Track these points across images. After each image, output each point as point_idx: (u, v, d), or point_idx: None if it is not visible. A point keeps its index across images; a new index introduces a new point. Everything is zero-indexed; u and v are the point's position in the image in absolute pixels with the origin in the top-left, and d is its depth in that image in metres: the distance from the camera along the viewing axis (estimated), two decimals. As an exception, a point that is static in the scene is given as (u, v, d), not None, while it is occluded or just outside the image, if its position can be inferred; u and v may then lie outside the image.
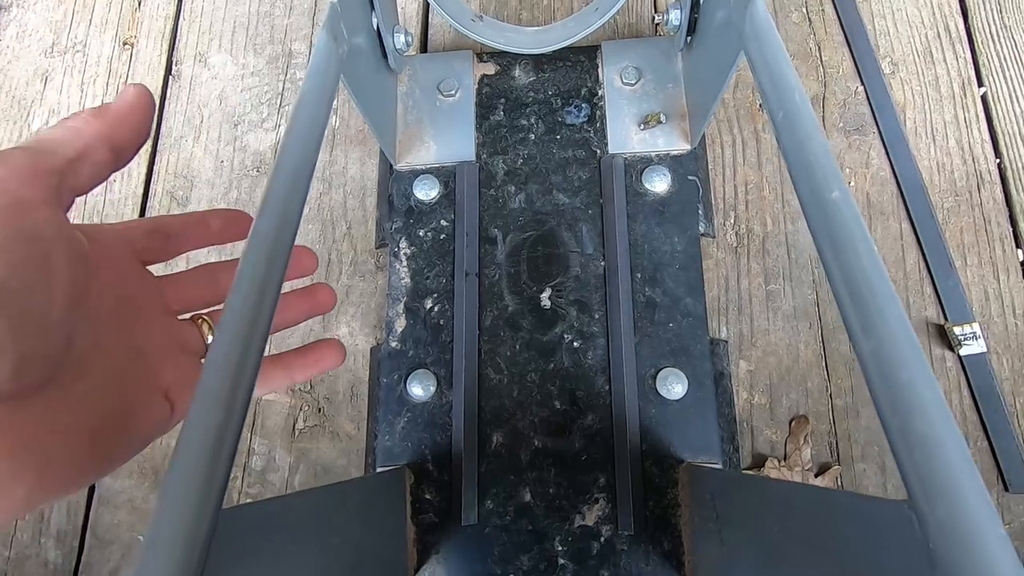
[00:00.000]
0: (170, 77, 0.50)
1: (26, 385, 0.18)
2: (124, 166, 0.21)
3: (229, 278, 0.24)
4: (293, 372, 0.28)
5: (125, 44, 0.51)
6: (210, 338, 0.26)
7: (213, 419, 0.17)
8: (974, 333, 0.38)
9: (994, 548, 0.13)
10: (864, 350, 0.16)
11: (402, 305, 0.40)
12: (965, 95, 0.44)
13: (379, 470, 0.38)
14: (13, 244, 0.17)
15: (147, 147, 0.48)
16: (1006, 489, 0.36)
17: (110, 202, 0.47)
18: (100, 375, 0.20)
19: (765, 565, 0.24)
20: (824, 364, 0.40)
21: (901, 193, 0.42)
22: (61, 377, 0.19)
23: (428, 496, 0.37)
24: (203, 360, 0.23)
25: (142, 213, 0.47)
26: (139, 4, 0.52)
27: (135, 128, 0.21)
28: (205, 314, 0.26)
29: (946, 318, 0.39)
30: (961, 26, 0.45)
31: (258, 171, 0.47)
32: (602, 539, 0.35)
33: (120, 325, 0.22)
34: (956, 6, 0.46)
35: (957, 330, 0.38)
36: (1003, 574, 0.12)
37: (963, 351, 0.38)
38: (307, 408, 0.42)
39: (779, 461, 0.38)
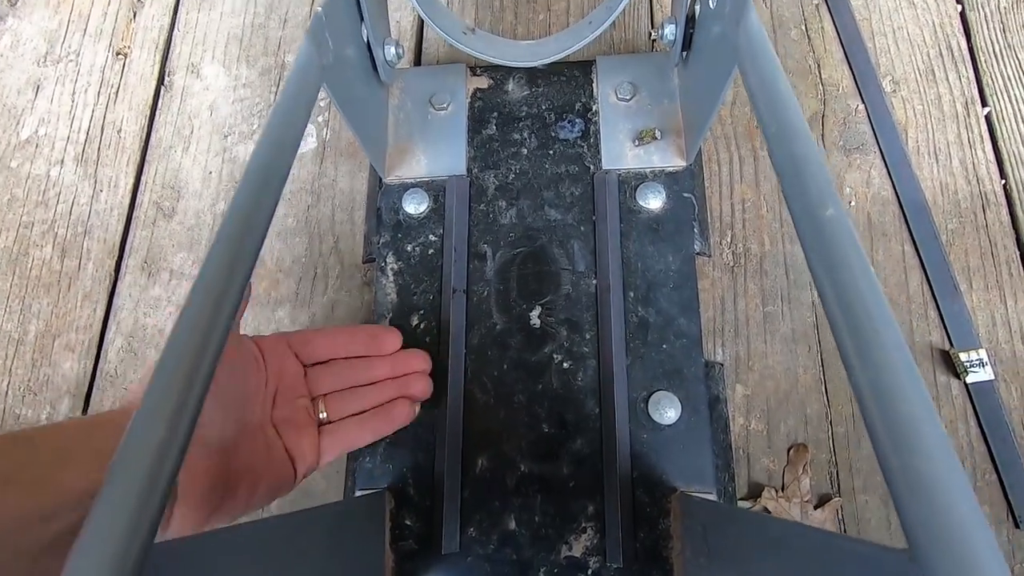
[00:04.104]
0: (162, 87, 0.50)
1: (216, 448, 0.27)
2: None
3: (358, 373, 0.35)
4: (366, 434, 0.34)
5: (118, 54, 0.51)
6: (322, 415, 0.34)
7: (153, 437, 0.15)
8: (981, 360, 0.37)
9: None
10: (860, 380, 0.15)
11: (387, 321, 0.39)
12: (968, 115, 0.43)
13: (358, 494, 0.36)
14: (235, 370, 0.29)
15: (135, 157, 0.48)
16: (1016, 526, 0.34)
17: (96, 212, 0.46)
18: (244, 443, 0.29)
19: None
20: (824, 389, 0.38)
21: (903, 214, 0.41)
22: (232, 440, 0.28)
23: (408, 522, 0.35)
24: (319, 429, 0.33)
25: (128, 223, 0.46)
26: (134, 15, 0.52)
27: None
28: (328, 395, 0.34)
29: (951, 344, 0.38)
30: (964, 45, 0.45)
31: (246, 183, 0.46)
32: (589, 571, 0.34)
33: (274, 404, 0.32)
34: (958, 25, 0.45)
35: (963, 356, 0.37)
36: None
37: (969, 379, 0.37)
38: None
39: (776, 491, 0.36)
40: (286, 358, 0.33)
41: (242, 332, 0.33)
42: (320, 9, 0.30)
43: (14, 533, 0.19)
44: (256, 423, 0.30)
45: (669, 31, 0.37)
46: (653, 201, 0.40)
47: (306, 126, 0.26)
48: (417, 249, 0.41)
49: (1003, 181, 0.41)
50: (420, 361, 0.36)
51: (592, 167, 0.41)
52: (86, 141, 0.48)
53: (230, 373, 0.29)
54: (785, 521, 0.33)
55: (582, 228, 0.40)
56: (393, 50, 0.39)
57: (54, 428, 0.25)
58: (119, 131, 0.48)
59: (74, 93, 0.50)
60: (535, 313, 0.39)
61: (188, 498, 0.25)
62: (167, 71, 0.50)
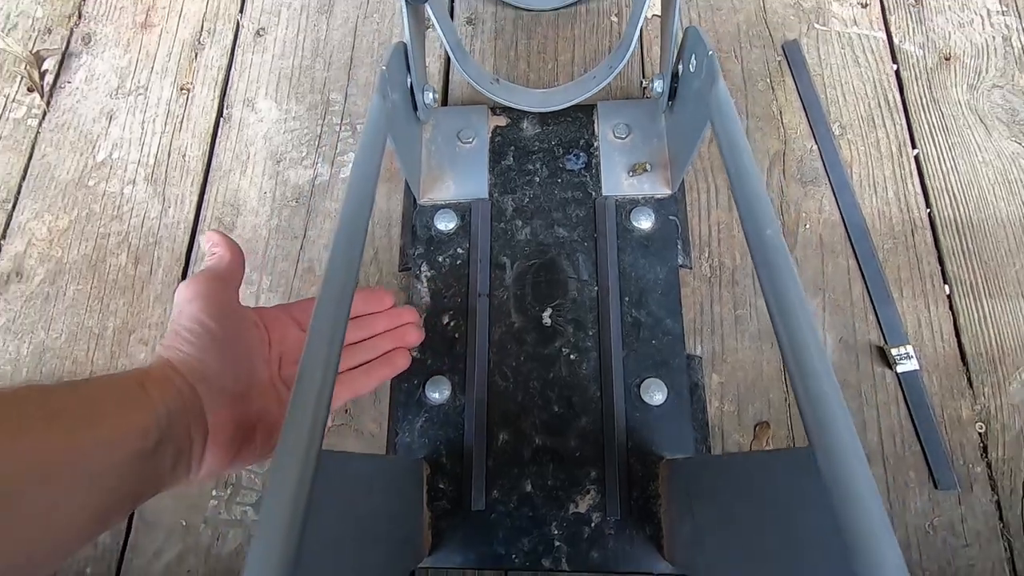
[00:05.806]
0: (221, 119, 0.57)
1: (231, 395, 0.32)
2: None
3: (357, 331, 0.40)
4: (372, 381, 0.39)
5: (182, 89, 0.58)
6: None
7: (312, 394, 0.23)
8: (908, 354, 0.45)
9: (856, 465, 0.19)
10: (783, 340, 0.23)
11: (423, 320, 0.47)
12: (901, 155, 0.52)
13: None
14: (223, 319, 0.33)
15: (199, 179, 0.55)
16: (936, 487, 0.43)
17: (164, 225, 0.53)
18: (257, 397, 0.34)
19: (723, 527, 0.30)
20: (784, 378, 0.46)
21: (848, 235, 0.50)
22: (245, 393, 0.33)
23: (442, 486, 0.42)
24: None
25: (193, 236, 0.53)
26: (196, 56, 0.60)
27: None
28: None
29: (886, 341, 0.46)
30: (898, 98, 0.54)
31: (296, 202, 0.54)
32: (592, 524, 0.41)
33: (277, 366, 0.36)
34: (894, 81, 0.55)
35: (894, 351, 0.45)
36: (862, 477, 0.19)
37: (899, 369, 0.45)
38: (334, 409, 0.47)
39: (745, 461, 0.44)
40: (287, 327, 0.38)
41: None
42: (384, 68, 0.38)
43: (94, 454, 0.24)
44: (266, 380, 0.35)
45: (658, 84, 0.46)
46: (644, 222, 0.48)
47: (381, 165, 0.34)
48: (447, 260, 0.48)
49: (928, 210, 0.51)
50: (410, 314, 0.42)
51: (594, 193, 0.50)
52: (155, 164, 0.56)
53: (236, 336, 0.33)
54: (734, 454, 0.40)
55: (585, 244, 0.48)
56: (431, 95, 0.47)
57: (109, 380, 0.28)
58: (184, 156, 0.56)
59: (143, 122, 0.57)
60: (547, 314, 0.46)
61: (217, 439, 0.30)
62: (226, 105, 0.58)
